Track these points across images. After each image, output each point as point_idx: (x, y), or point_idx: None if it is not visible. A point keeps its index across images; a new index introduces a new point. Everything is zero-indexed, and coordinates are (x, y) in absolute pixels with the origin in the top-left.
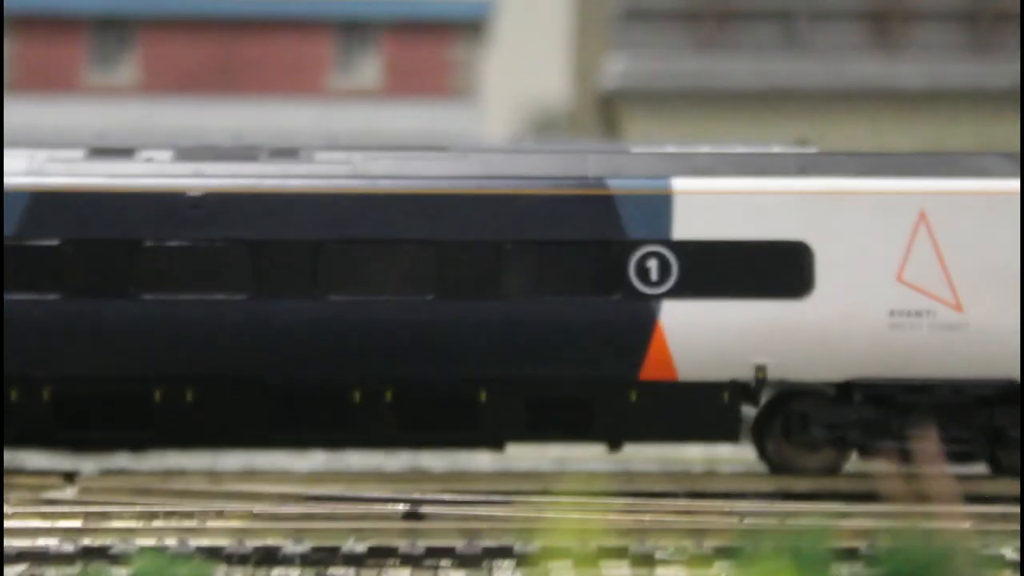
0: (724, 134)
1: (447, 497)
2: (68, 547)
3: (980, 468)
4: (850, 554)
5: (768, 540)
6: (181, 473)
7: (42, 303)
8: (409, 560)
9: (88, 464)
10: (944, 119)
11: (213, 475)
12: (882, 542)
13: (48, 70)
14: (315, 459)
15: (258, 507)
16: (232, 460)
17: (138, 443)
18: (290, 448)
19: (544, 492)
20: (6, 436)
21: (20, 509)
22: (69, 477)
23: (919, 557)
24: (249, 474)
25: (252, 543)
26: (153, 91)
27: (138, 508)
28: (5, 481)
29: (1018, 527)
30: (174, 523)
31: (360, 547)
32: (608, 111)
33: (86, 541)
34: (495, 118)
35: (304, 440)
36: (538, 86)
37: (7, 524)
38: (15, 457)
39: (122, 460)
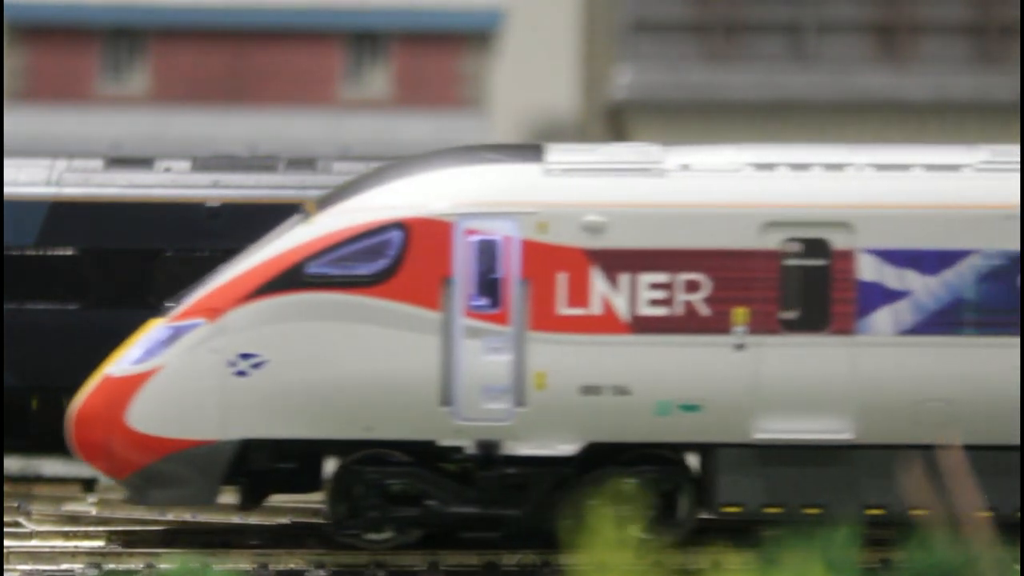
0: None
1: None
2: (93, 573)
3: None
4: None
5: (794, 545)
6: None
7: (61, 312)
8: None
9: None
10: (950, 130)
11: None
12: (906, 550)
13: (60, 80)
14: None
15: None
16: None
17: None
18: None
19: None
20: (26, 444)
21: (42, 528)
22: (88, 485)
23: (942, 565)
24: None
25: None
26: (164, 101)
27: (161, 527)
28: (26, 491)
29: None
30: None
31: None
32: (616, 122)
33: (110, 565)
34: (503, 128)
35: None
36: (546, 97)
37: (32, 544)
38: (33, 464)
39: None
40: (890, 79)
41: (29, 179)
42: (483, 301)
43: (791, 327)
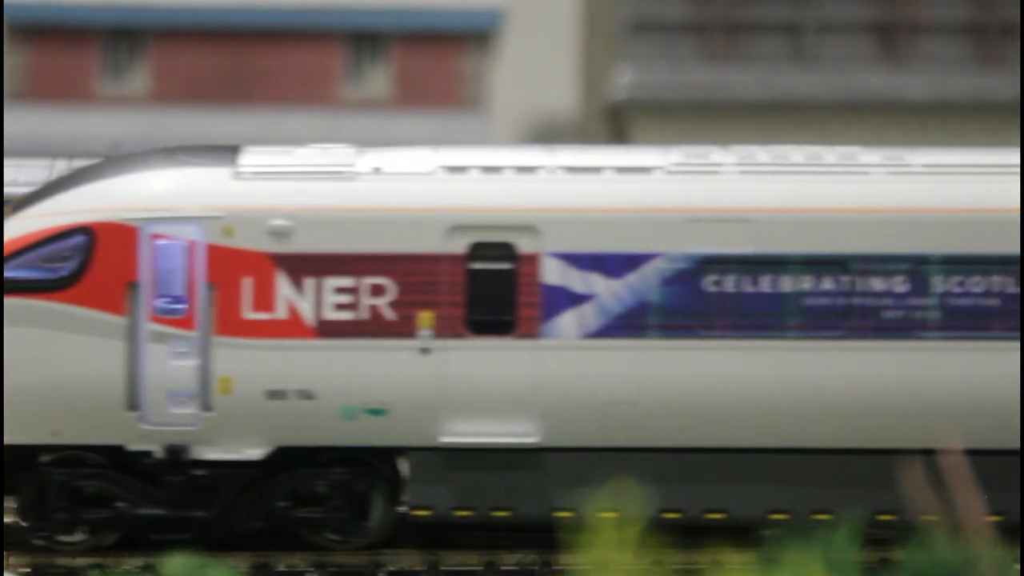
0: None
1: None
2: (93, 573)
3: None
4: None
5: (795, 544)
6: None
7: None
8: None
9: None
10: (950, 130)
11: None
12: (906, 549)
13: (61, 79)
14: None
15: None
16: None
17: None
18: None
19: None
20: None
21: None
22: None
23: (943, 564)
24: None
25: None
26: (164, 100)
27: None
28: None
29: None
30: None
31: None
32: (616, 122)
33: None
34: (503, 128)
35: None
36: (546, 96)
37: (32, 544)
38: None
39: None
40: (890, 79)
41: (29, 179)
42: (169, 306)
43: (477, 331)
